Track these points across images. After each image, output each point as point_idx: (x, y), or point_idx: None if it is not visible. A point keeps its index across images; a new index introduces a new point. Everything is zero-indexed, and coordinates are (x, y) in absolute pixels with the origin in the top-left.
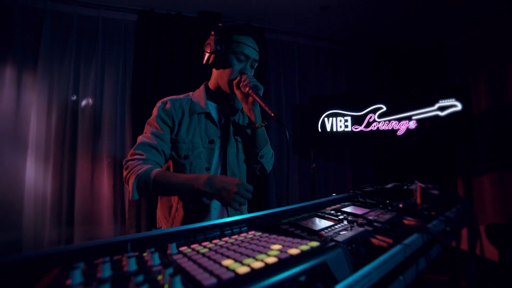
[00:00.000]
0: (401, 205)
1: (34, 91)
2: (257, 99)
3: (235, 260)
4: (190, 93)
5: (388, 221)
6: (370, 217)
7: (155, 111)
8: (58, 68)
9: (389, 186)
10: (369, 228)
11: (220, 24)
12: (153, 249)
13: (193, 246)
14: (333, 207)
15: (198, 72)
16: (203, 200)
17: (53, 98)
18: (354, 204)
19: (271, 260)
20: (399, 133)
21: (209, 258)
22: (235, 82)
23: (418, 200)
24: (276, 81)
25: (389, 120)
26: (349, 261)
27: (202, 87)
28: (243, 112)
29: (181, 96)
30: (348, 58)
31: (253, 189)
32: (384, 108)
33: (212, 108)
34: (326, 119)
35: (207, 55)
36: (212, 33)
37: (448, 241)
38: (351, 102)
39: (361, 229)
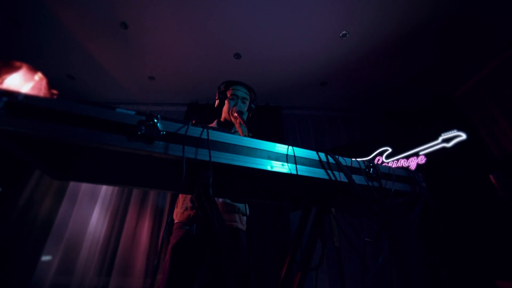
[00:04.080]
0: None
1: None
2: (238, 117)
3: None
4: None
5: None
6: None
7: None
8: None
9: None
10: None
11: (222, 82)
12: None
13: None
14: None
15: None
16: None
17: None
18: None
19: None
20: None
21: None
22: (230, 111)
23: None
24: (294, 143)
25: (398, 159)
26: None
27: (215, 121)
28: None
29: None
30: (360, 122)
31: None
32: (390, 150)
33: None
34: None
35: (216, 101)
36: (217, 88)
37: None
38: (359, 150)
39: None
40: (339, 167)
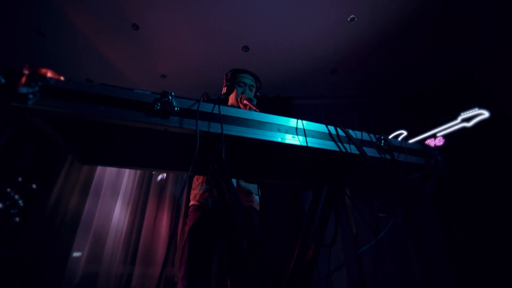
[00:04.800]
0: None
1: None
2: (249, 104)
3: None
4: None
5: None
6: None
7: None
8: None
9: None
10: None
11: (229, 70)
12: None
13: None
14: None
15: None
16: None
17: None
18: None
19: None
20: None
21: None
22: (239, 98)
23: None
24: None
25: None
26: None
27: None
28: None
29: None
30: (373, 108)
31: None
32: (405, 133)
33: None
34: None
35: (223, 88)
36: (225, 76)
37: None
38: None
39: None
40: (349, 139)
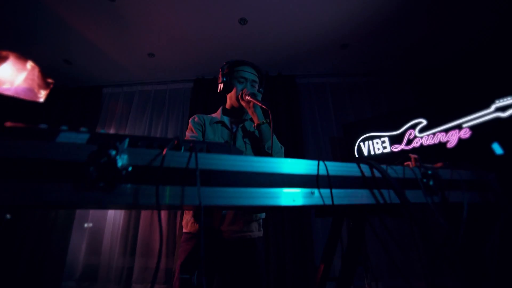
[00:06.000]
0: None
1: None
2: (253, 100)
3: None
4: (213, 114)
5: (359, 159)
6: None
7: (189, 125)
8: (138, 127)
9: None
10: None
11: (225, 63)
12: None
13: None
14: None
15: None
16: None
17: None
18: None
19: None
20: (450, 145)
21: None
22: (239, 96)
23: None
24: (311, 119)
25: (434, 133)
26: None
27: (220, 109)
28: (252, 120)
29: (205, 115)
30: (385, 87)
31: None
32: (425, 122)
33: (226, 120)
34: (362, 144)
35: (219, 85)
36: (220, 70)
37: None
38: (385, 123)
39: None
40: (388, 183)
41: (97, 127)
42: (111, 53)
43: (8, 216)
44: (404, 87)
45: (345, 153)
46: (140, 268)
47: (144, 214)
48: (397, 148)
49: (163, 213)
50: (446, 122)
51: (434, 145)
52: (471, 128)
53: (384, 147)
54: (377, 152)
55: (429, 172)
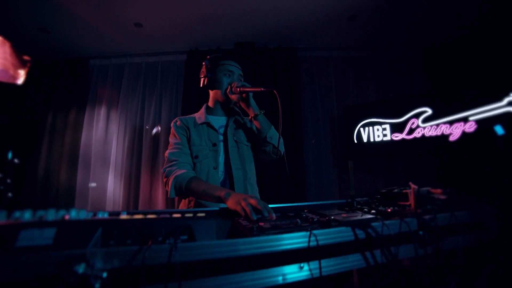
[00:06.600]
0: (389, 209)
1: (116, 122)
2: (246, 89)
3: None
4: (195, 114)
5: (353, 222)
6: (333, 217)
7: (172, 130)
8: (131, 103)
9: (387, 189)
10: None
11: (208, 56)
12: None
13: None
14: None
15: None
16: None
17: (126, 125)
18: (338, 208)
19: None
20: (452, 138)
21: None
22: (228, 90)
23: (412, 204)
24: (311, 96)
25: (437, 124)
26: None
27: (203, 107)
28: (241, 115)
29: (187, 116)
30: (391, 63)
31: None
32: (430, 112)
33: (211, 119)
34: (362, 129)
35: (202, 79)
36: (204, 63)
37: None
38: (389, 109)
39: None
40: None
41: (87, 105)
42: (93, 21)
43: None
44: (412, 65)
45: (344, 136)
46: None
47: (142, 193)
48: (398, 137)
49: (161, 191)
50: (452, 113)
51: (437, 136)
52: (477, 122)
53: (385, 135)
54: (377, 139)
55: (427, 220)
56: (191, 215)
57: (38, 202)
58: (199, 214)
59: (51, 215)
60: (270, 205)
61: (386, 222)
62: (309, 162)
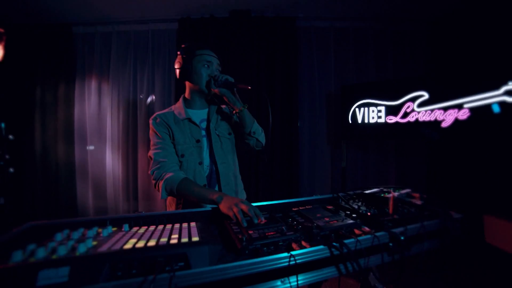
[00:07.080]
0: (369, 213)
1: (108, 95)
2: (240, 87)
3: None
4: (172, 107)
5: (334, 228)
6: (316, 223)
7: (151, 127)
8: (122, 76)
9: (372, 191)
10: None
11: (183, 46)
12: None
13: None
14: (301, 208)
15: (230, 68)
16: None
17: (120, 99)
18: (324, 207)
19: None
20: (444, 124)
21: None
22: (210, 83)
23: (390, 210)
24: (309, 70)
25: (432, 110)
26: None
27: (180, 100)
28: (223, 103)
29: (165, 110)
30: (394, 38)
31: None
32: (426, 96)
33: (192, 114)
34: (357, 110)
35: (178, 71)
36: (178, 53)
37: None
38: (386, 90)
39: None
40: (357, 264)
41: (76, 78)
42: None
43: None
44: (416, 42)
45: (339, 115)
46: (145, 210)
47: (141, 167)
48: (392, 119)
49: None
50: (448, 99)
51: (430, 122)
52: (471, 109)
53: (379, 117)
54: (371, 121)
55: (397, 234)
56: (186, 239)
57: (39, 179)
58: (192, 224)
59: (62, 250)
60: (261, 203)
61: (360, 238)
62: (304, 138)
